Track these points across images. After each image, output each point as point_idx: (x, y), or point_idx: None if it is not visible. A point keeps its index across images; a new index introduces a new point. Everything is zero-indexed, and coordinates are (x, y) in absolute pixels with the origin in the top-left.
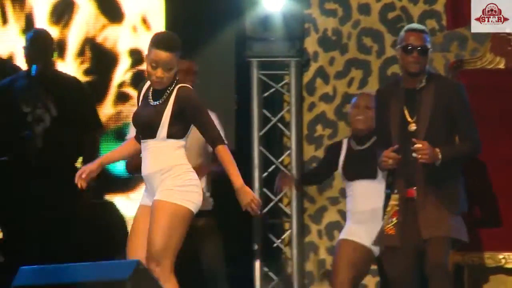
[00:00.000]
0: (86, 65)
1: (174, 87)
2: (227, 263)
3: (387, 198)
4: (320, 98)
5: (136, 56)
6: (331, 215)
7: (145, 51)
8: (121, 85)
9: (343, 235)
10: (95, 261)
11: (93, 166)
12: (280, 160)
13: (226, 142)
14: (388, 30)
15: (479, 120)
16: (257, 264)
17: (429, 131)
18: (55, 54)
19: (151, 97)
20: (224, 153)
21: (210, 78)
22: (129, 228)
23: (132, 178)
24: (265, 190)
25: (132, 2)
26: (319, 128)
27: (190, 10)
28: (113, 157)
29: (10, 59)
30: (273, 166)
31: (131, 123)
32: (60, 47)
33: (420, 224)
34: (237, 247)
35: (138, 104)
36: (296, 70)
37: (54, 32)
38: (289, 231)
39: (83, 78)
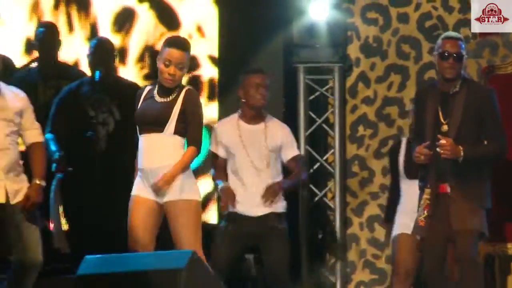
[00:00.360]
0: (145, 71)
1: (182, 88)
2: None
3: (421, 190)
4: (362, 101)
5: (190, 61)
6: (371, 209)
7: (199, 58)
8: None
9: (401, 229)
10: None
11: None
12: (324, 158)
13: (199, 148)
14: (425, 38)
15: (509, 122)
16: (303, 255)
17: (460, 133)
18: (117, 60)
19: (157, 95)
20: (189, 151)
21: None
22: None
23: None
24: (311, 186)
25: (188, 12)
26: (360, 128)
27: (242, 19)
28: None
29: (75, 64)
30: (318, 164)
31: None
32: (122, 54)
33: (452, 217)
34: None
35: (138, 105)
36: (340, 75)
37: (116, 39)
38: (332, 223)
39: (142, 83)
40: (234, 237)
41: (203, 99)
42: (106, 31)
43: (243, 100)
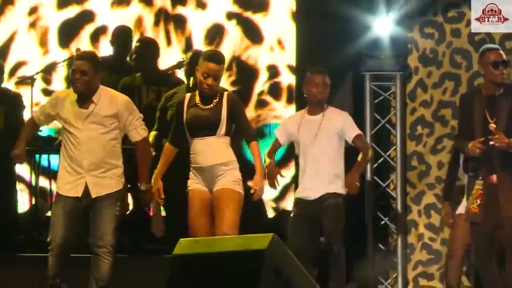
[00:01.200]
0: (233, 78)
1: (223, 93)
2: (346, 237)
3: (470, 180)
4: (420, 104)
5: (272, 70)
6: (428, 198)
7: (279, 67)
8: (260, 93)
9: (459, 209)
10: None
11: (159, 185)
12: (387, 153)
13: (257, 138)
14: (475, 50)
15: None
16: (370, 237)
17: (506, 130)
18: None
19: (201, 103)
20: (255, 148)
21: (333, 88)
22: (266, 208)
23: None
24: (375, 178)
25: (269, 27)
26: (419, 128)
27: (316, 33)
28: (165, 168)
29: (173, 73)
30: (382, 159)
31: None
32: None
33: (501, 204)
34: (354, 224)
35: (183, 113)
36: (401, 82)
37: None
38: (394, 210)
39: (230, 88)
40: (300, 221)
41: (282, 102)
42: (199, 44)
43: (305, 96)
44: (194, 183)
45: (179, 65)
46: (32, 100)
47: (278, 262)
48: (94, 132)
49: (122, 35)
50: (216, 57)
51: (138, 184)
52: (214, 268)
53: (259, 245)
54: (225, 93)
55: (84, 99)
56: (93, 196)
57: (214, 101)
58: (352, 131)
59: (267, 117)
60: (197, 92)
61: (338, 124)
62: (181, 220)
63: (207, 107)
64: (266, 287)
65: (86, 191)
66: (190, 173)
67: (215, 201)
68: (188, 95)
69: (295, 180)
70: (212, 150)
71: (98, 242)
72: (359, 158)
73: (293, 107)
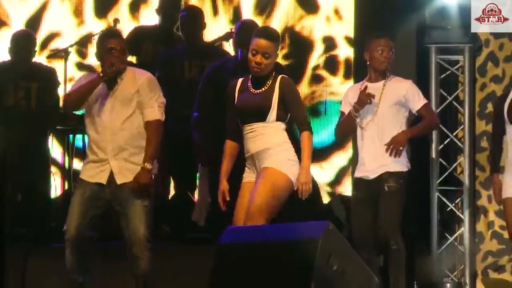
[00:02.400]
0: (285, 51)
1: (276, 76)
2: (409, 224)
3: None
4: (491, 79)
5: (328, 42)
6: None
7: (336, 39)
8: (315, 68)
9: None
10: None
11: (225, 186)
12: (454, 134)
13: (310, 128)
14: None
15: None
16: (434, 224)
17: None
18: None
19: (251, 87)
20: (305, 138)
21: (395, 62)
22: (321, 193)
23: (324, 149)
24: (441, 160)
25: None
26: (489, 105)
27: (377, 2)
28: (230, 167)
29: (220, 45)
30: (448, 139)
31: None
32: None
33: None
34: (418, 210)
35: (234, 99)
36: (470, 55)
37: (258, 22)
38: (461, 196)
39: (282, 62)
40: (359, 203)
41: (339, 77)
42: (248, 14)
43: (368, 63)
44: (246, 175)
45: (227, 37)
46: (66, 75)
47: (332, 252)
48: (118, 114)
49: (169, 3)
50: (266, 33)
51: (144, 164)
52: (263, 258)
53: (313, 233)
54: (279, 77)
55: (111, 80)
56: (118, 183)
57: (267, 84)
58: (417, 100)
59: (323, 93)
60: (250, 76)
61: (401, 92)
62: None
63: (258, 91)
64: (319, 278)
65: (111, 178)
66: (246, 164)
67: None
68: (240, 79)
69: (352, 163)
70: (260, 136)
71: (132, 237)
72: (420, 123)
73: (350, 82)
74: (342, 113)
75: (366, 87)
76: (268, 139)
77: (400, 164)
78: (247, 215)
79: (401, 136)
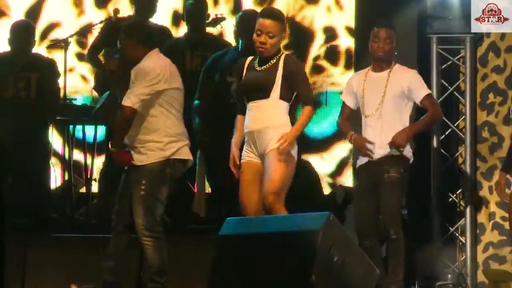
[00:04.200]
0: (286, 41)
1: (281, 55)
2: (409, 215)
3: None
4: (492, 69)
5: (329, 33)
6: None
7: (337, 29)
8: (316, 58)
9: None
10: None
11: (235, 152)
12: (456, 124)
13: (312, 105)
14: None
15: None
16: (435, 215)
17: None
18: None
19: (257, 65)
20: (305, 111)
21: (396, 52)
22: (322, 184)
23: (325, 140)
24: (442, 150)
25: None
26: (490, 96)
27: None
28: (240, 138)
29: (220, 35)
30: (449, 130)
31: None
32: None
33: None
34: (419, 201)
35: (242, 76)
36: (471, 45)
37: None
38: (463, 187)
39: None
40: (361, 192)
41: (340, 68)
42: (249, 3)
43: (370, 51)
44: (246, 155)
45: (215, 22)
46: (66, 66)
47: (333, 243)
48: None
49: None
50: (269, 13)
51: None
52: (264, 249)
53: (314, 224)
54: (283, 54)
55: None
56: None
57: (272, 61)
58: (420, 90)
59: (323, 84)
60: (257, 56)
61: (405, 82)
62: (226, 198)
63: (262, 68)
64: (320, 270)
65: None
66: (245, 142)
67: (263, 161)
68: (249, 58)
69: (353, 154)
70: (263, 113)
71: (135, 226)
72: (423, 116)
73: (351, 73)
74: (343, 103)
75: (368, 148)
76: (269, 118)
77: (404, 151)
78: (269, 192)
79: (401, 136)
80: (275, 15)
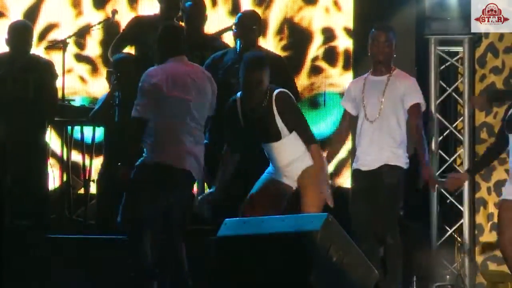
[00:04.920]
0: (284, 42)
1: (271, 96)
2: (408, 216)
3: None
4: (490, 70)
5: (328, 34)
6: (499, 174)
7: (336, 30)
8: (314, 59)
9: (504, 195)
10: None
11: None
12: (454, 125)
13: (315, 141)
14: None
15: None
16: (434, 217)
17: None
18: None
19: (249, 113)
20: (314, 151)
21: (395, 53)
22: None
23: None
24: (440, 151)
25: None
26: None
27: None
28: (223, 180)
29: (219, 37)
30: (448, 131)
31: None
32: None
33: None
34: (415, 202)
35: (238, 121)
36: (469, 46)
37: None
38: (461, 188)
39: (281, 53)
40: (357, 194)
41: (338, 69)
42: (247, 4)
43: (369, 55)
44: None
45: (227, 30)
46: (64, 67)
47: (332, 244)
48: None
49: None
50: (250, 62)
51: None
52: (262, 250)
53: (312, 225)
54: (273, 95)
55: None
56: None
57: (262, 105)
58: (411, 98)
59: (322, 85)
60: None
61: (401, 89)
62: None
63: (258, 115)
64: (318, 271)
65: None
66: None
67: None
68: (238, 102)
69: (352, 155)
70: (282, 151)
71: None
72: (418, 150)
73: (350, 74)
74: (345, 111)
75: None
76: (290, 152)
77: (399, 160)
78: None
79: (428, 171)
80: (259, 63)
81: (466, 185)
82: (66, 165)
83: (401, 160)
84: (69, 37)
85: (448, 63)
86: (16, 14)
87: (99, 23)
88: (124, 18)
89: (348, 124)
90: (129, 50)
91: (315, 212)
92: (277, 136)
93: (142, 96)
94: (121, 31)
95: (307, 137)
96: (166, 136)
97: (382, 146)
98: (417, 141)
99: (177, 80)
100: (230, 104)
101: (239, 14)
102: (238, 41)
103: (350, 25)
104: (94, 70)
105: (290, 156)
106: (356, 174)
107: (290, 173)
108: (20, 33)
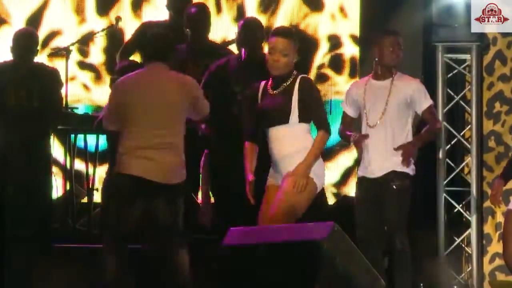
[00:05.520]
0: None
1: (296, 76)
2: (414, 226)
3: None
4: (498, 78)
5: (334, 41)
6: (508, 183)
7: (342, 37)
8: (320, 66)
9: (510, 205)
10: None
11: (251, 178)
12: (461, 133)
13: (328, 130)
14: None
15: None
16: (441, 226)
17: None
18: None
19: (270, 89)
20: (318, 137)
21: (402, 60)
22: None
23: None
24: (448, 160)
25: None
26: (497, 105)
27: (382, 0)
28: (253, 166)
29: (223, 46)
30: (455, 139)
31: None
32: (268, 33)
33: None
34: (423, 212)
35: (256, 102)
36: (477, 53)
37: (262, 20)
38: (469, 197)
39: None
40: (363, 202)
41: (344, 76)
42: (252, 11)
43: (376, 59)
44: (270, 179)
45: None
46: (67, 74)
47: (337, 253)
48: None
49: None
50: (282, 31)
51: None
52: (267, 259)
53: (318, 234)
54: (299, 77)
55: None
56: None
57: (285, 84)
58: (423, 101)
59: (328, 93)
60: (270, 78)
61: (408, 92)
62: (231, 208)
63: (278, 91)
64: (324, 280)
65: None
66: (271, 166)
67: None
68: (262, 82)
69: (358, 163)
70: (283, 139)
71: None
72: (424, 129)
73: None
74: (343, 112)
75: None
76: (292, 142)
77: (411, 168)
78: (270, 218)
79: (409, 147)
80: (287, 33)
81: (474, 194)
82: (69, 174)
83: (408, 167)
84: (72, 44)
85: (456, 70)
86: (19, 21)
87: (103, 30)
88: (128, 25)
89: (349, 125)
90: (135, 57)
91: (290, 198)
92: (285, 118)
93: (108, 107)
94: (126, 38)
95: (322, 122)
96: (128, 145)
97: (387, 152)
98: (434, 130)
99: (142, 87)
100: (253, 86)
101: (241, 22)
102: (243, 49)
103: (357, 32)
104: (98, 77)
105: (291, 147)
106: (362, 181)
107: (282, 167)
108: (25, 41)
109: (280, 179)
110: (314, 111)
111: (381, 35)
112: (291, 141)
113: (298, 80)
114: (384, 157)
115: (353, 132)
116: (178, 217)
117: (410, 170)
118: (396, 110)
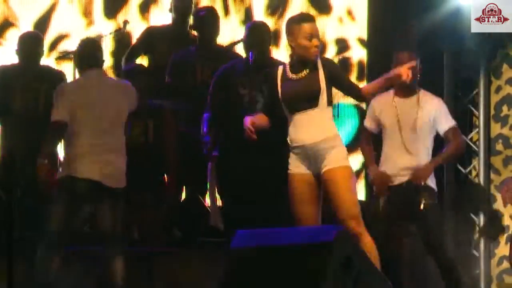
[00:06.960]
0: None
1: (315, 59)
2: None
3: None
4: (506, 81)
5: (341, 44)
6: None
7: (349, 40)
8: None
9: None
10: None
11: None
12: (469, 137)
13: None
14: None
15: None
16: (449, 228)
17: None
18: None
19: (292, 74)
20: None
21: None
22: None
23: None
24: (455, 163)
25: None
26: (504, 108)
27: (391, 3)
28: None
29: (231, 48)
30: None
31: None
32: (275, 36)
33: None
34: None
35: (275, 88)
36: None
37: (270, 23)
38: (476, 200)
39: None
40: (392, 216)
41: (352, 79)
42: (260, 14)
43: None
44: (295, 167)
45: (239, 42)
46: (75, 78)
47: (347, 256)
48: None
49: (184, 3)
50: (311, 17)
51: None
52: (276, 262)
53: (326, 237)
54: (318, 59)
55: None
56: None
57: (307, 68)
58: (445, 122)
59: (335, 96)
60: (288, 64)
61: (432, 110)
62: (239, 210)
63: (301, 76)
64: (333, 282)
65: None
66: (290, 154)
67: (327, 184)
68: (280, 67)
69: (365, 167)
70: (315, 125)
71: None
72: (445, 148)
73: (363, 84)
74: (365, 128)
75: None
76: (323, 128)
77: (432, 181)
78: (349, 217)
79: (425, 170)
80: (313, 17)
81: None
82: None
83: (433, 182)
84: None
85: (463, 74)
86: (26, 24)
87: (110, 33)
88: (135, 28)
89: (369, 140)
90: (141, 60)
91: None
92: (315, 100)
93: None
94: (133, 41)
95: (357, 89)
96: (72, 148)
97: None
98: (456, 148)
99: (84, 92)
100: (270, 74)
101: (248, 25)
102: (251, 52)
103: (364, 35)
104: None
105: (322, 132)
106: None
107: (317, 154)
108: (31, 44)
109: (309, 167)
110: (348, 82)
111: (395, 53)
112: (322, 127)
113: (319, 61)
114: (404, 169)
115: (373, 155)
116: (118, 223)
117: (434, 185)
118: (427, 126)
